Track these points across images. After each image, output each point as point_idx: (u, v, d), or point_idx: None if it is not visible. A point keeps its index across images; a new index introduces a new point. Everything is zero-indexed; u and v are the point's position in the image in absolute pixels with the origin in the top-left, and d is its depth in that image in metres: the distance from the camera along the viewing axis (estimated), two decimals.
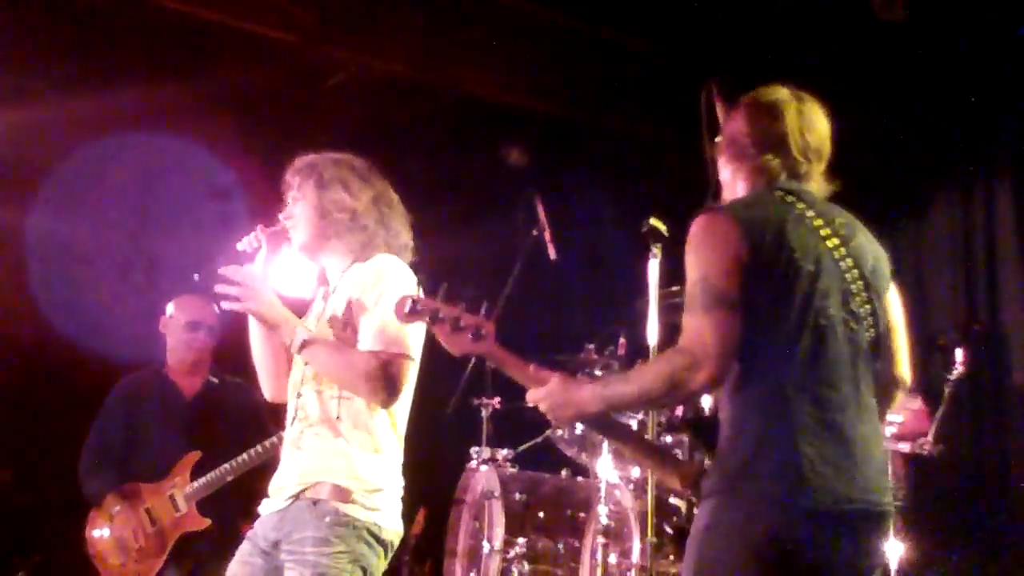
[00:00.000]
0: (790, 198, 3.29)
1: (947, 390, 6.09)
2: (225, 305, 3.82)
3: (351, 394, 3.77)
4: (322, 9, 7.18)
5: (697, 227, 3.15)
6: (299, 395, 3.90)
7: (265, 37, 7.03)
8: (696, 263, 3.11)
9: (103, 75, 7.08)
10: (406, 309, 3.32)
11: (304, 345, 3.76)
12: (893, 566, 5.41)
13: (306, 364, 3.86)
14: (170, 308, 6.11)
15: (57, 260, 7.67)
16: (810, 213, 3.26)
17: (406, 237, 4.09)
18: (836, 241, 3.24)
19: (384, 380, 3.69)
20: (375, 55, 7.49)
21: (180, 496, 5.82)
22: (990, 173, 7.30)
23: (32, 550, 7.76)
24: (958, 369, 6.13)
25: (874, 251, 3.34)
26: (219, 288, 3.78)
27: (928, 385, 6.09)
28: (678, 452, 5.79)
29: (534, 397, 3.34)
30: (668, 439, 5.83)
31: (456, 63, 7.67)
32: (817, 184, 3.39)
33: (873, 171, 7.17)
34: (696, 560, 3.10)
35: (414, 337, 3.78)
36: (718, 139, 4.45)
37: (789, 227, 3.17)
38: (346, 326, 3.82)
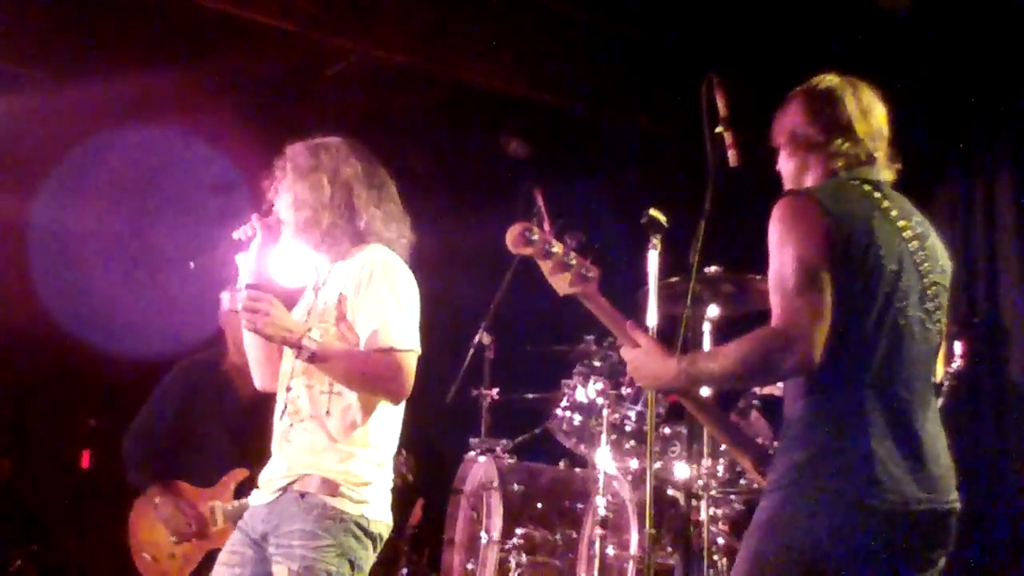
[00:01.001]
0: (869, 188, 3.30)
1: (946, 383, 6.08)
2: (244, 326, 3.78)
3: (343, 389, 3.76)
4: None
5: (786, 209, 3.15)
6: (289, 388, 3.88)
7: (266, 25, 7.01)
8: (787, 243, 3.09)
9: (103, 64, 7.07)
10: (521, 237, 3.34)
11: (314, 356, 3.69)
12: None
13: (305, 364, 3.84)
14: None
15: (57, 250, 7.66)
16: (893, 210, 3.27)
17: (398, 222, 4.05)
18: (915, 242, 3.25)
19: (401, 379, 3.70)
20: (376, 44, 7.48)
21: (220, 511, 5.81)
22: (991, 166, 7.28)
23: (30, 539, 7.77)
24: (957, 362, 6.12)
25: (943, 251, 3.36)
26: (241, 310, 3.74)
27: None
28: (677, 444, 5.80)
29: (625, 355, 3.37)
30: (666, 430, 5.83)
31: (457, 53, 7.65)
32: (886, 168, 3.43)
33: None
34: (755, 552, 3.12)
35: (415, 327, 3.78)
36: (718, 129, 4.46)
37: (875, 224, 3.18)
38: (339, 321, 3.80)
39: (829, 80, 3.50)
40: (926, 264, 3.25)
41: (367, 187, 3.97)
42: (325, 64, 7.70)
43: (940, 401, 6.01)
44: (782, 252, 3.09)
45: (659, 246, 4.71)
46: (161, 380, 6.11)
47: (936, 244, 3.33)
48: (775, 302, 3.07)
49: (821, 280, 3.03)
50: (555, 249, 3.35)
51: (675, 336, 4.44)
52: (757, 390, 5.59)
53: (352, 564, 3.68)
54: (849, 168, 3.35)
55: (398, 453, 5.41)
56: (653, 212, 4.70)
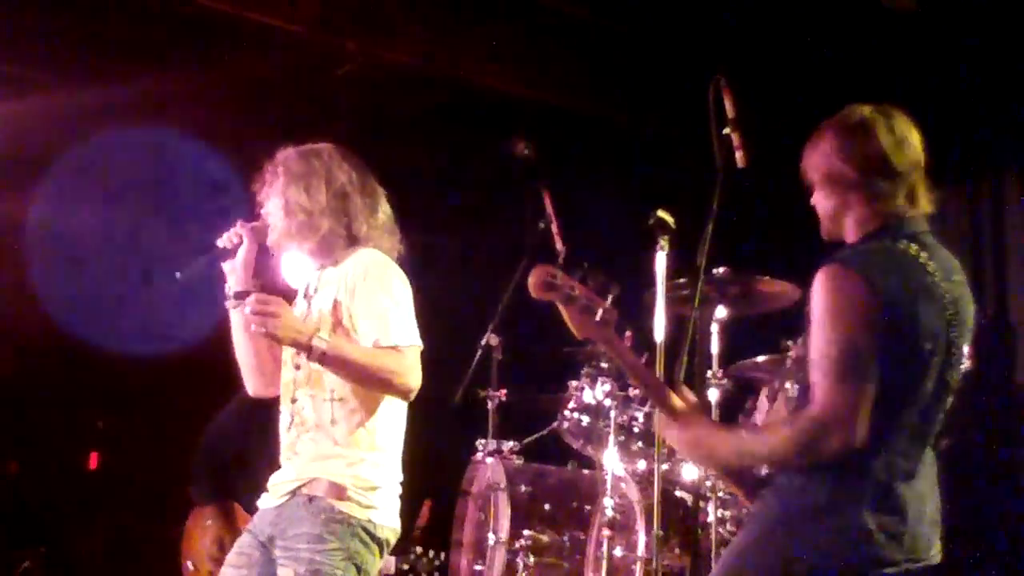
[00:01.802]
0: (916, 250, 3.24)
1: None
2: (253, 329, 3.76)
3: (346, 395, 3.76)
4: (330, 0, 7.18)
5: (835, 282, 3.12)
6: (294, 400, 3.88)
7: (272, 28, 7.02)
8: (835, 322, 3.08)
9: (107, 66, 7.08)
10: (543, 283, 3.31)
11: (324, 356, 3.66)
12: None
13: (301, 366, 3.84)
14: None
15: (64, 251, 7.67)
16: (937, 272, 3.22)
17: (387, 226, 4.03)
18: (952, 308, 3.22)
19: (410, 375, 3.70)
20: (383, 46, 7.48)
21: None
22: (999, 166, 7.27)
23: (37, 541, 7.79)
24: (965, 363, 6.10)
25: (971, 301, 3.33)
26: (249, 314, 3.72)
27: None
28: None
29: (672, 437, 3.38)
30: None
31: (465, 54, 7.66)
32: (925, 199, 3.35)
33: None
34: (733, 566, 3.22)
35: (414, 323, 3.80)
36: (726, 131, 4.46)
37: (921, 302, 3.15)
38: (337, 327, 3.79)
39: (860, 112, 3.37)
40: (956, 331, 3.23)
41: (359, 193, 3.95)
42: (332, 66, 7.69)
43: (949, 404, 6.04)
44: (828, 329, 3.08)
45: (667, 247, 4.71)
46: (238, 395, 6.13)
47: (967, 299, 3.30)
48: (816, 381, 3.06)
49: (868, 359, 3.02)
50: (576, 293, 3.31)
51: (683, 337, 4.45)
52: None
53: (358, 568, 3.68)
54: (890, 215, 3.28)
55: None
56: (661, 213, 4.70)
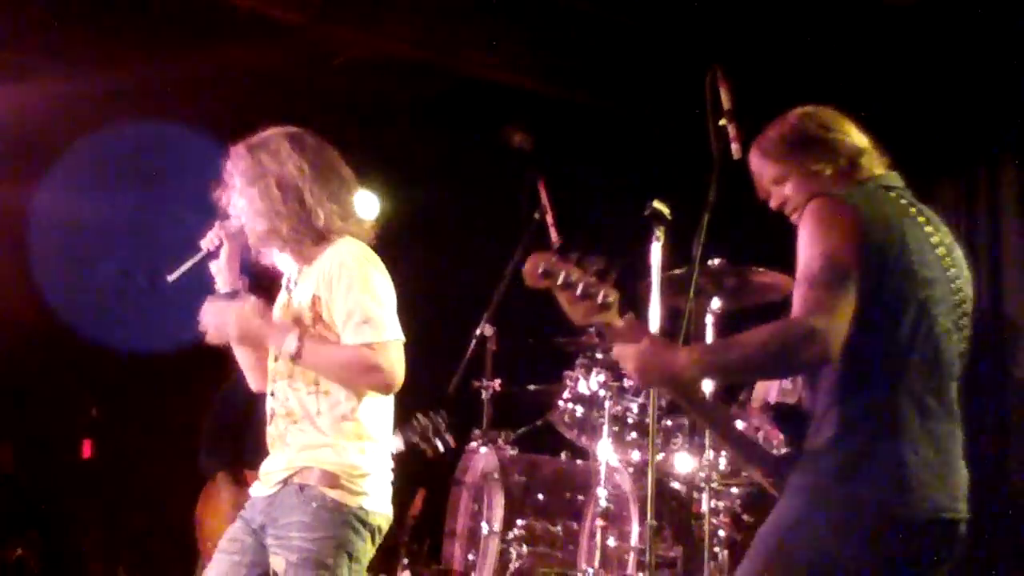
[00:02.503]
0: (896, 195, 3.28)
1: None
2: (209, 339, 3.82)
3: (329, 387, 3.75)
4: None
5: (820, 207, 3.10)
6: (272, 394, 3.88)
7: (270, 17, 7.01)
8: (818, 239, 3.04)
9: (106, 54, 7.06)
10: (539, 271, 3.16)
11: (297, 354, 3.70)
12: None
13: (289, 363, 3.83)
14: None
15: (58, 239, 7.65)
16: (920, 217, 3.25)
17: (351, 210, 3.96)
18: (943, 249, 3.22)
19: (384, 370, 3.67)
20: (380, 35, 7.47)
21: None
22: (994, 162, 7.27)
23: (30, 528, 7.79)
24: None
25: (966, 264, 3.32)
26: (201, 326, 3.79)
27: None
28: (679, 436, 5.80)
29: (621, 353, 3.16)
30: (668, 422, 5.83)
31: (462, 44, 7.65)
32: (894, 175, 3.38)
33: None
34: (772, 555, 3.08)
35: (394, 316, 3.76)
36: (721, 122, 4.46)
37: (907, 229, 3.15)
38: (317, 322, 3.78)
39: (790, 117, 3.44)
40: (953, 271, 3.22)
41: (316, 181, 3.84)
42: (329, 56, 7.68)
43: None
44: (812, 248, 3.04)
45: (662, 238, 4.72)
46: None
47: (960, 254, 3.30)
48: (798, 294, 3.01)
49: (848, 279, 2.97)
50: (574, 278, 3.13)
51: (677, 329, 4.46)
52: (772, 396, 5.58)
53: (350, 556, 3.67)
54: (864, 177, 3.32)
55: None
56: (657, 204, 4.71)
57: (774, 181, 3.43)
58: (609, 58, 7.76)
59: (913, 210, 3.25)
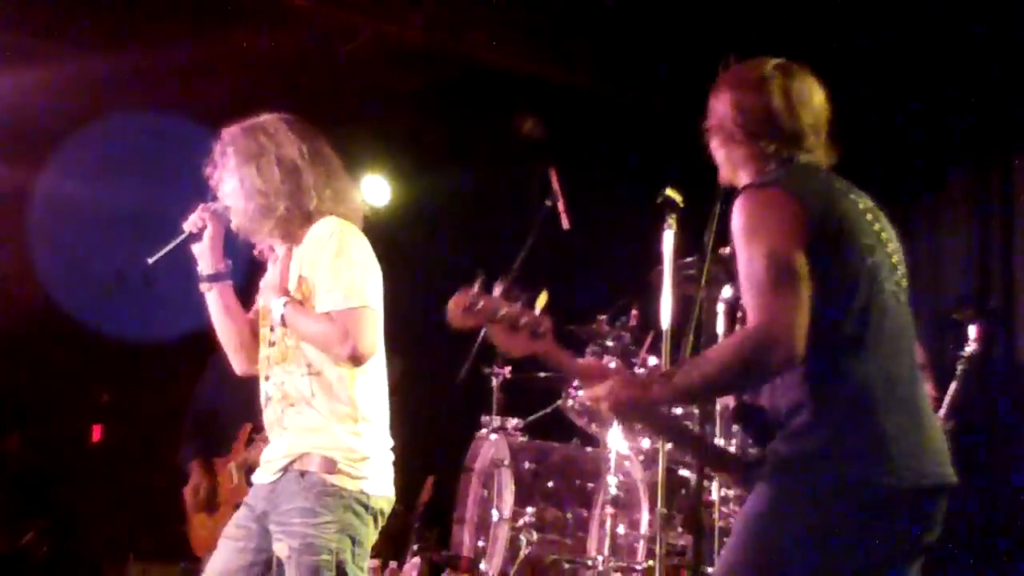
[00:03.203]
0: (815, 169, 3.19)
1: (960, 366, 6.07)
2: None
3: (320, 368, 3.74)
4: None
5: (749, 202, 3.02)
6: (267, 377, 3.88)
7: (281, 2, 7.01)
8: (756, 239, 2.96)
9: (111, 38, 7.05)
10: (463, 308, 3.13)
11: (283, 317, 3.73)
12: None
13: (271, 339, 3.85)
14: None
15: (65, 226, 7.66)
16: (843, 187, 3.18)
17: (349, 195, 3.96)
18: (871, 215, 3.16)
19: (357, 337, 3.64)
20: (392, 21, 7.46)
21: (233, 470, 6.00)
22: (1007, 148, 7.26)
23: (40, 513, 7.81)
24: (971, 345, 6.11)
25: (895, 235, 3.24)
26: None
27: (941, 361, 6.08)
28: (688, 424, 5.79)
29: (593, 395, 3.15)
30: (678, 410, 5.82)
31: (472, 31, 7.64)
32: (824, 156, 3.26)
33: (889, 147, 7.14)
34: (755, 544, 3.03)
35: (373, 288, 3.74)
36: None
37: (839, 200, 3.10)
38: (303, 303, 3.78)
39: (761, 68, 3.28)
40: (884, 234, 3.16)
41: (312, 166, 3.86)
42: (339, 41, 7.67)
43: (955, 385, 6.04)
44: (750, 247, 2.96)
45: (675, 225, 4.71)
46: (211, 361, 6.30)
47: (889, 227, 3.22)
48: (749, 300, 2.95)
49: (796, 269, 2.91)
50: (503, 312, 3.12)
51: (689, 317, 4.44)
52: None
53: (353, 540, 3.67)
54: (785, 162, 3.19)
55: None
56: (669, 191, 4.70)
57: (713, 125, 3.33)
58: (621, 45, 7.74)
59: (837, 183, 3.18)
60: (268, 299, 3.82)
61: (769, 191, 3.05)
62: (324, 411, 3.72)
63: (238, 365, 4.11)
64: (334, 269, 3.70)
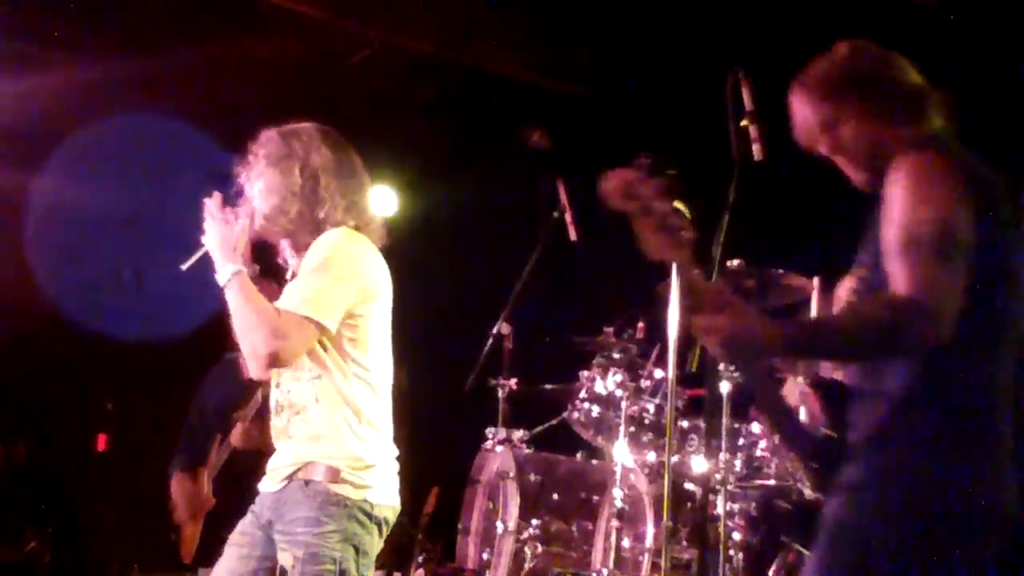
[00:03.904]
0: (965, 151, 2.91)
1: None
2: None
3: (322, 372, 3.72)
4: None
5: (928, 164, 2.76)
6: (277, 384, 3.87)
7: (291, 11, 7.01)
8: (925, 200, 2.68)
9: (120, 46, 7.07)
10: (622, 189, 2.93)
11: (227, 283, 3.73)
12: None
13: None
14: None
15: (71, 233, 7.67)
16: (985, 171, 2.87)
17: (364, 210, 3.97)
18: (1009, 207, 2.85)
19: (286, 342, 3.63)
20: (400, 32, 7.48)
21: (206, 477, 6.10)
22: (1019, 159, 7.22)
23: (45, 521, 7.81)
24: None
25: None
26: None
27: None
28: (695, 438, 5.78)
29: (705, 325, 2.79)
30: (684, 424, 5.81)
31: (481, 41, 7.65)
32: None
33: None
34: (849, 559, 2.75)
35: (330, 301, 3.71)
36: (743, 123, 4.44)
37: (991, 188, 2.80)
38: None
39: (851, 49, 3.08)
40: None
41: (336, 176, 3.89)
42: (349, 52, 7.69)
43: None
44: (916, 209, 2.67)
45: None
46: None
47: None
48: (902, 265, 2.64)
49: (961, 251, 2.63)
50: (658, 206, 2.89)
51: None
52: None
53: (356, 549, 3.67)
54: (936, 130, 2.96)
55: None
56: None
57: (824, 125, 3.07)
58: (629, 56, 7.75)
59: (982, 167, 2.87)
60: (219, 258, 3.79)
61: (950, 161, 2.82)
62: (328, 417, 3.71)
63: (253, 368, 4.11)
64: (310, 275, 3.70)
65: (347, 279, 3.75)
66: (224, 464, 6.02)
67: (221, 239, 3.80)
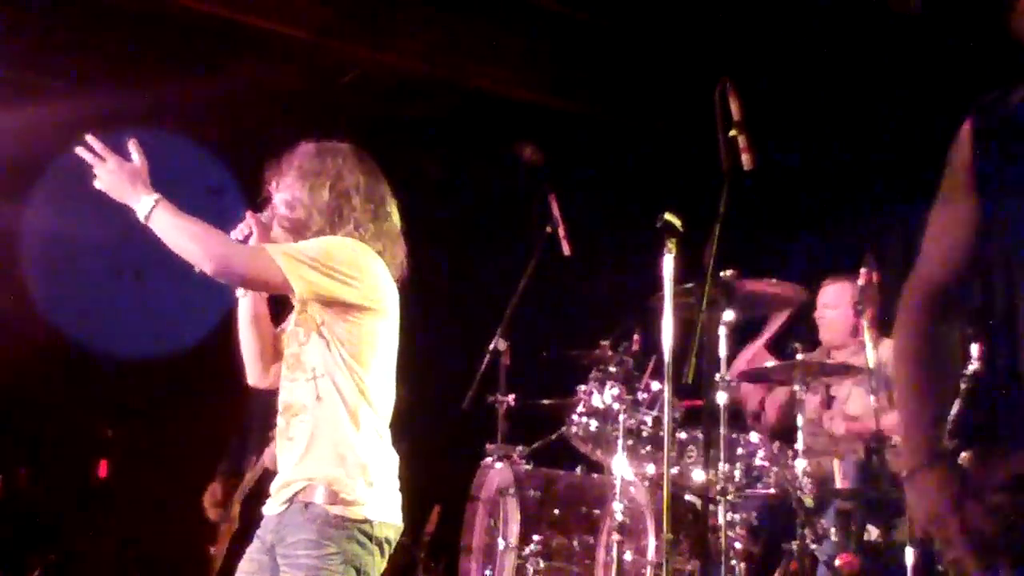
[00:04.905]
0: None
1: (963, 385, 6.04)
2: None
3: (324, 372, 3.72)
4: (336, 5, 7.18)
5: None
6: (282, 387, 3.89)
7: (279, 34, 7.03)
8: None
9: (111, 72, 7.08)
10: None
11: (150, 216, 3.68)
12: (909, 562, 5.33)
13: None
14: None
15: (63, 260, 7.67)
16: None
17: (390, 239, 3.98)
18: None
19: (229, 256, 3.66)
20: (390, 51, 7.49)
21: (238, 494, 6.13)
22: None
23: (47, 549, 7.80)
24: (974, 364, 6.08)
25: None
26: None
27: None
28: (693, 449, 5.77)
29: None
30: (683, 435, 5.81)
31: (470, 59, 7.67)
32: None
33: (887, 164, 7.15)
34: None
35: (311, 268, 3.69)
36: (732, 134, 4.45)
37: None
38: (322, 326, 3.77)
39: None
40: None
41: (364, 199, 3.90)
42: (339, 72, 7.70)
43: (958, 405, 6.02)
44: None
45: (674, 250, 4.70)
46: None
47: None
48: None
49: None
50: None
51: (690, 342, 4.44)
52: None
53: (358, 571, 3.65)
54: None
55: None
56: (668, 216, 4.69)
57: None
58: (618, 71, 7.77)
59: None
60: (131, 193, 3.75)
61: None
62: (326, 416, 3.71)
63: (252, 375, 4.11)
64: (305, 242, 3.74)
65: (340, 266, 3.73)
66: (256, 485, 6.00)
67: (125, 175, 3.76)
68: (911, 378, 2.68)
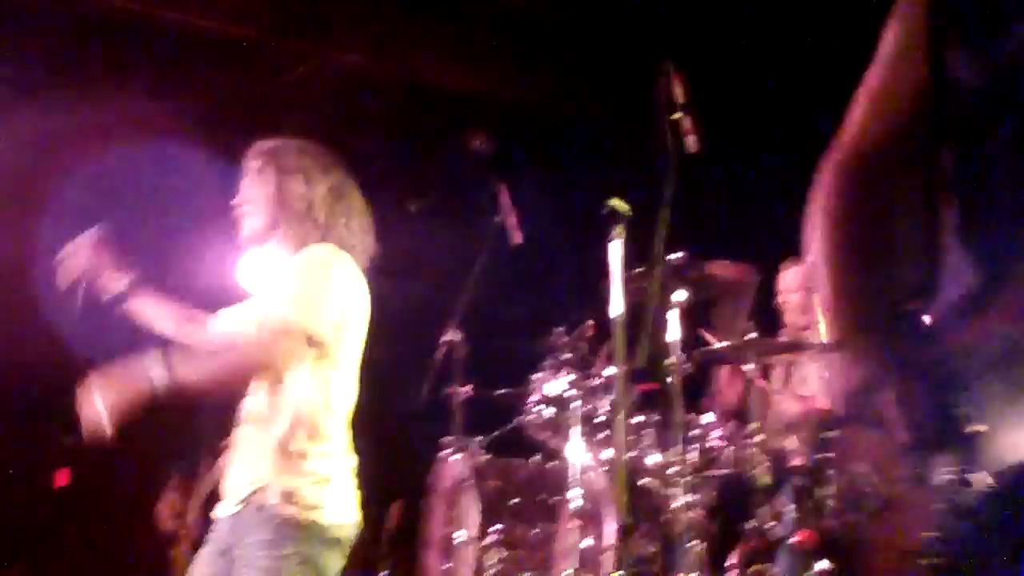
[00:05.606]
0: None
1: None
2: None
3: (276, 384, 3.72)
4: (279, 2, 7.16)
5: None
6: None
7: (221, 33, 7.00)
8: None
9: (47, 80, 7.02)
10: None
11: (172, 383, 3.53)
12: None
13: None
14: None
15: (21, 271, 7.63)
16: None
17: (361, 233, 4.02)
18: None
19: (265, 350, 3.65)
20: (335, 47, 7.47)
21: (195, 499, 6.20)
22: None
23: (14, 559, 7.77)
24: None
25: None
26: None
27: None
28: (648, 433, 5.78)
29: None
30: (638, 419, 5.82)
31: (416, 52, 7.66)
32: None
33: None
34: None
35: (314, 305, 3.71)
36: (676, 116, 4.47)
37: None
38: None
39: None
40: None
41: (333, 202, 3.94)
42: (284, 70, 7.67)
43: None
44: None
45: (622, 235, 4.71)
46: None
47: None
48: None
49: None
50: None
51: (641, 326, 4.45)
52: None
53: (317, 570, 3.66)
54: None
55: None
56: (614, 202, 4.70)
57: None
58: (560, 59, 7.78)
59: None
60: (129, 381, 3.60)
61: None
62: (280, 428, 3.70)
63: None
64: (287, 287, 3.73)
65: (320, 282, 3.77)
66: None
67: (113, 380, 3.64)
68: (827, 243, 2.16)
